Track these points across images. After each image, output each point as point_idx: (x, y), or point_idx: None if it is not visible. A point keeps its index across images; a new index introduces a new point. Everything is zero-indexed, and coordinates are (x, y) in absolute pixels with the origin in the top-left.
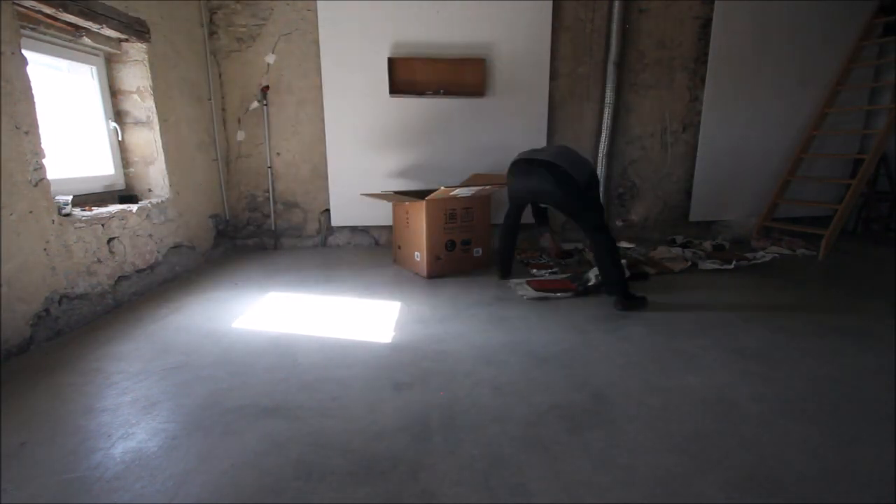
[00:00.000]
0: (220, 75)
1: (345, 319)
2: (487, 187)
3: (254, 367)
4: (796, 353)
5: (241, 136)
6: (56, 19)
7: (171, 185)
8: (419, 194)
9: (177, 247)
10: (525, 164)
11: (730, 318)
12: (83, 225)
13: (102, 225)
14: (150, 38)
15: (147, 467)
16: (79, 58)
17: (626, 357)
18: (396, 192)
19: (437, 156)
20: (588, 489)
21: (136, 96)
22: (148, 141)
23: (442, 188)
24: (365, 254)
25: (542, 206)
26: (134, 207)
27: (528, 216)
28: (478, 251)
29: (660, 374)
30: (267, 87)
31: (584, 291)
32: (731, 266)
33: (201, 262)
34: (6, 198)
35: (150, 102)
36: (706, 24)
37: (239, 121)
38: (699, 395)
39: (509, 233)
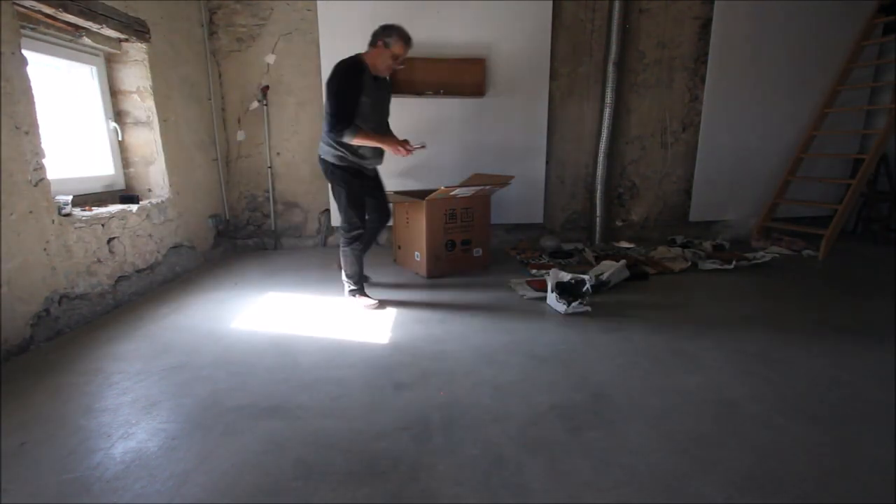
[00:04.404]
0: (220, 75)
1: (345, 320)
2: (487, 187)
3: (254, 368)
4: (796, 354)
5: (241, 136)
6: (56, 19)
7: (171, 185)
8: (419, 194)
9: (177, 247)
10: None
11: (730, 318)
12: (83, 225)
13: (102, 225)
14: (150, 38)
15: (147, 467)
16: (79, 58)
17: (626, 357)
18: (396, 192)
19: (437, 156)
20: (588, 489)
21: (136, 96)
22: (148, 141)
23: (442, 188)
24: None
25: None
26: (134, 207)
27: (522, 215)
28: (478, 251)
29: (660, 374)
30: (267, 87)
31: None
32: (731, 266)
33: (201, 262)
34: (6, 198)
35: (150, 102)
36: (706, 24)
37: (239, 121)
38: (699, 395)
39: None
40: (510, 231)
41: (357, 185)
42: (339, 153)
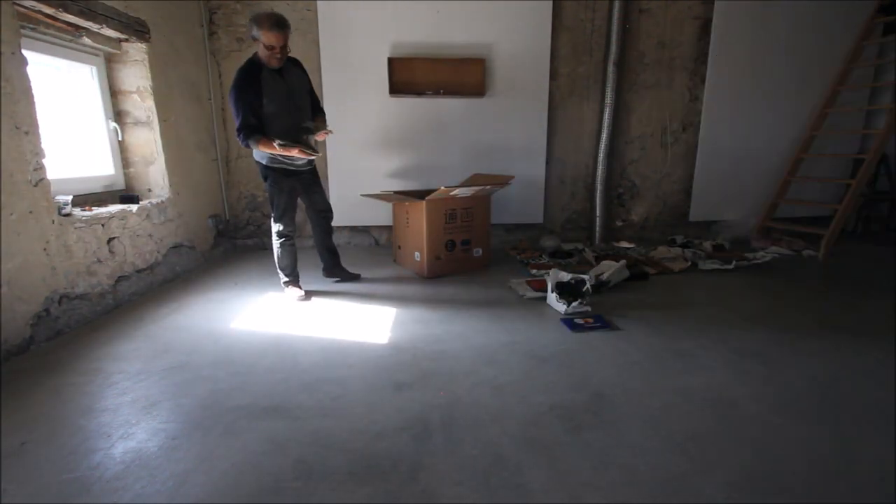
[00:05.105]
0: (220, 75)
1: (345, 320)
2: (487, 187)
3: (254, 367)
4: (796, 353)
5: None
6: (56, 19)
7: (171, 185)
8: (419, 194)
9: (177, 247)
10: None
11: (730, 318)
12: (83, 225)
13: (102, 225)
14: (150, 38)
15: (147, 467)
16: (79, 58)
17: (626, 357)
18: (396, 192)
19: (437, 156)
20: (588, 489)
21: (136, 96)
22: (148, 141)
23: (442, 188)
24: (365, 254)
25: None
26: (134, 207)
27: (522, 215)
28: (478, 251)
29: (660, 374)
30: None
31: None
32: (731, 266)
33: (201, 262)
34: (6, 198)
35: (150, 102)
36: (706, 24)
37: None
38: (699, 395)
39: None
40: (510, 231)
41: (288, 186)
42: (268, 154)
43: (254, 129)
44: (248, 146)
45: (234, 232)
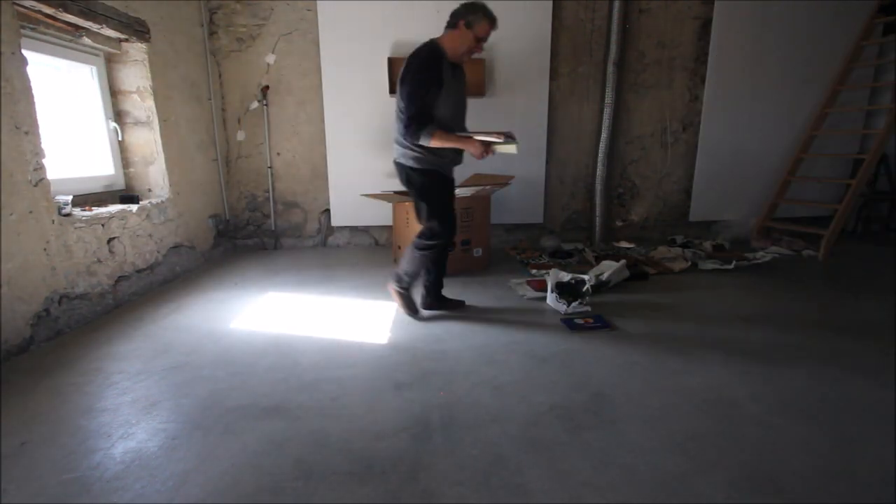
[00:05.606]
0: (220, 75)
1: (345, 319)
2: (487, 187)
3: (254, 367)
4: (796, 353)
5: (241, 136)
6: (56, 19)
7: (171, 185)
8: None
9: (177, 247)
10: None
11: (730, 318)
12: (83, 225)
13: (102, 225)
14: (150, 38)
15: (147, 467)
16: (79, 58)
17: (626, 357)
18: (396, 192)
19: None
20: (588, 489)
21: (136, 96)
22: (148, 141)
23: None
24: (365, 254)
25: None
26: (134, 207)
27: (522, 215)
28: (478, 251)
29: (660, 374)
30: (267, 87)
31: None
32: (731, 266)
33: (201, 262)
34: (6, 198)
35: (150, 102)
36: (706, 24)
37: (239, 121)
38: (699, 395)
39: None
40: (510, 231)
41: (440, 187)
42: (416, 154)
43: (430, 119)
44: (416, 137)
45: (234, 232)
